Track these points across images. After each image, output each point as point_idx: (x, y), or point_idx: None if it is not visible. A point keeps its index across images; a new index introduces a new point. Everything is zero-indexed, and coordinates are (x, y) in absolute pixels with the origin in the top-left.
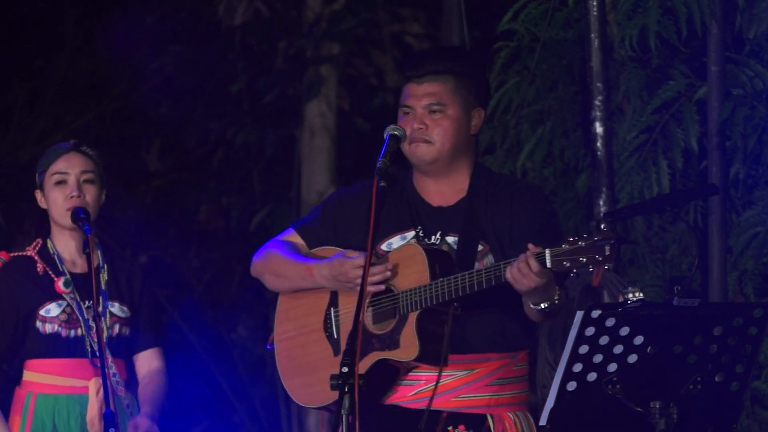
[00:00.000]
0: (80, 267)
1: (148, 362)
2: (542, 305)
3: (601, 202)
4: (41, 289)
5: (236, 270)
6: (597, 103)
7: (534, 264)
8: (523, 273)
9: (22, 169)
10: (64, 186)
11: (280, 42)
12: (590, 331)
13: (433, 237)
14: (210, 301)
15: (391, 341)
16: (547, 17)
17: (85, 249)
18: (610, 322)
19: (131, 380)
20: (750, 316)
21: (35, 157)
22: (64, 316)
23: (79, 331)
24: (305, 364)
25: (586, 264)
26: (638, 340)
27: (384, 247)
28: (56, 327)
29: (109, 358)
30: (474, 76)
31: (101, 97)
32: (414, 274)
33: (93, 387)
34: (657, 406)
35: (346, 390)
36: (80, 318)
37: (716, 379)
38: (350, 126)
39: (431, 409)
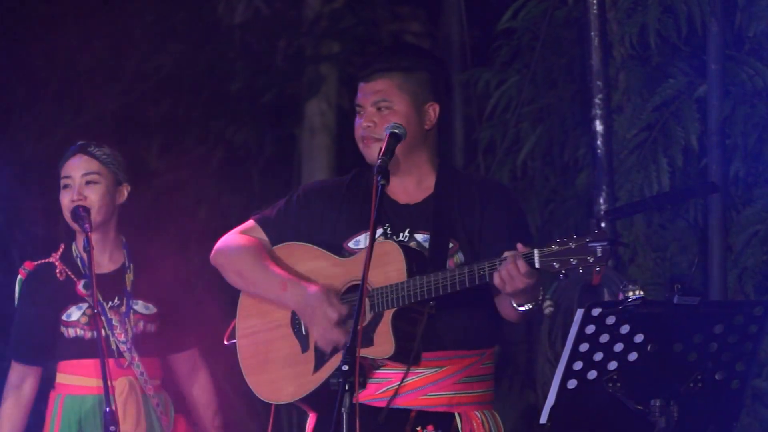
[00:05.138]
0: (104, 267)
1: (186, 365)
2: (527, 306)
3: (601, 200)
4: (62, 295)
5: None
6: (597, 101)
7: (522, 265)
8: (511, 275)
9: (22, 169)
10: (70, 190)
11: (280, 41)
12: (591, 329)
13: (401, 234)
14: (210, 300)
15: (364, 338)
16: (546, 16)
17: (86, 247)
18: (610, 320)
19: (167, 379)
20: (750, 313)
21: (35, 157)
22: (85, 319)
23: (103, 332)
24: (271, 360)
25: (577, 266)
26: (638, 338)
27: (351, 244)
28: (78, 330)
29: (136, 357)
30: (425, 70)
31: (101, 96)
32: (391, 272)
33: (119, 387)
34: (657, 405)
35: (347, 388)
36: (104, 318)
37: (716, 377)
38: (350, 125)
39: (400, 408)
